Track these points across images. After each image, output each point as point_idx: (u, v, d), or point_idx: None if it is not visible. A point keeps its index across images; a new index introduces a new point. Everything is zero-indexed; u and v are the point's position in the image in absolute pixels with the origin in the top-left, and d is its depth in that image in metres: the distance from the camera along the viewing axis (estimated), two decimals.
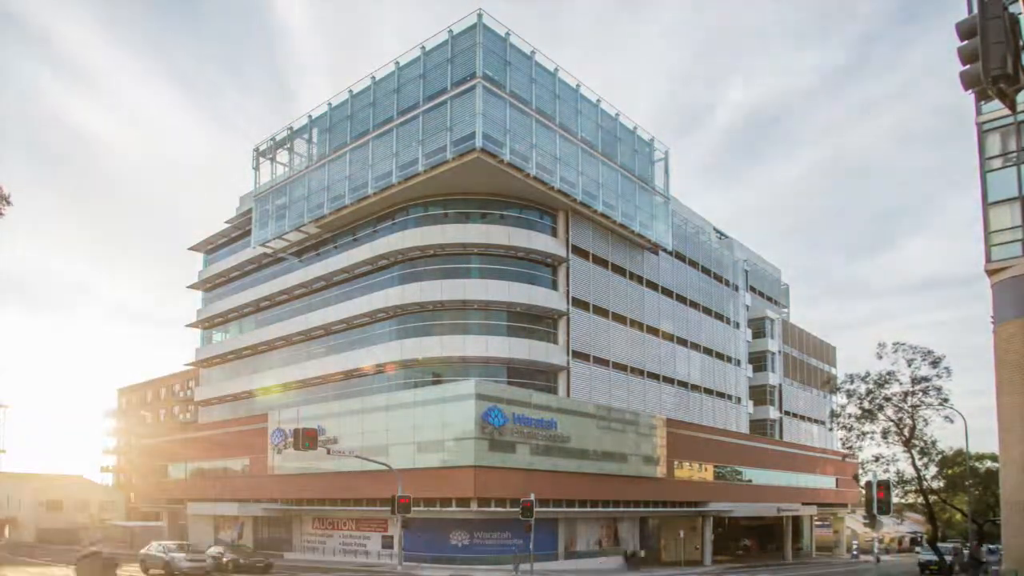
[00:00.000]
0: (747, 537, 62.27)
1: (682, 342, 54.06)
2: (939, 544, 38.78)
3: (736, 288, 62.29)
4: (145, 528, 59.55)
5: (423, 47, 39.84)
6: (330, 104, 45.19)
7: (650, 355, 50.40)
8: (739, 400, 61.17)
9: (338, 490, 40.58)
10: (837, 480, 66.89)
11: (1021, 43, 8.63)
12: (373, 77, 42.63)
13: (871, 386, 33.56)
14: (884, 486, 22.71)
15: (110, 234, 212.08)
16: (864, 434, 34.40)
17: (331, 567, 36.59)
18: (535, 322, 42.75)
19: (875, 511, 22.16)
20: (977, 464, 46.22)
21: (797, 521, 61.89)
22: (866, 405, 33.79)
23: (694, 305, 55.87)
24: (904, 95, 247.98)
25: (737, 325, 62.06)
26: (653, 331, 50.97)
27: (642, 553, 44.53)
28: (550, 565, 37.73)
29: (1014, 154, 24.93)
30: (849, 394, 34.44)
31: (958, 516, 59.00)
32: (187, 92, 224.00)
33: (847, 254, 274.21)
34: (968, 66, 8.73)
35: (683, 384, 53.83)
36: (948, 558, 37.88)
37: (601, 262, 46.33)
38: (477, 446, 33.96)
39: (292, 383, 50.41)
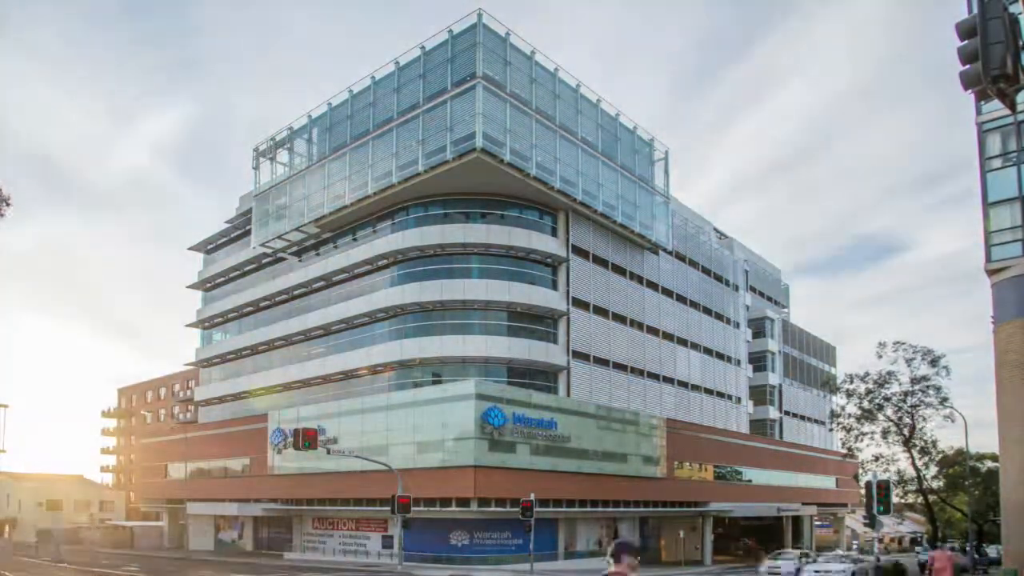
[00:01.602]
0: (747, 537, 62.21)
1: (682, 342, 54.04)
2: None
3: (736, 288, 62.27)
4: (145, 528, 59.64)
5: (423, 47, 39.82)
6: (330, 104, 45.17)
7: (650, 355, 50.37)
8: (739, 400, 61.15)
9: (338, 490, 40.56)
10: (837, 480, 66.88)
11: (1021, 43, 8.62)
12: (373, 77, 42.60)
13: (871, 385, 33.59)
14: (884, 486, 22.68)
15: (109, 230, 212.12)
16: (864, 434, 34.45)
17: (331, 567, 36.57)
18: (535, 322, 42.72)
19: (875, 511, 22.14)
20: (977, 464, 46.09)
21: (797, 521, 61.86)
22: (866, 405, 33.82)
23: (694, 305, 55.85)
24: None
25: (737, 325, 62.04)
26: (653, 331, 50.95)
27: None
28: (550, 565, 37.72)
29: (1014, 154, 24.91)
30: (849, 394, 34.48)
31: (958, 516, 58.94)
32: (184, 91, 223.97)
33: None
34: (968, 66, 8.72)
35: (683, 384, 53.80)
36: None
37: (601, 262, 46.31)
38: (477, 446, 33.94)
39: (292, 383, 50.38)
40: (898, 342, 32.76)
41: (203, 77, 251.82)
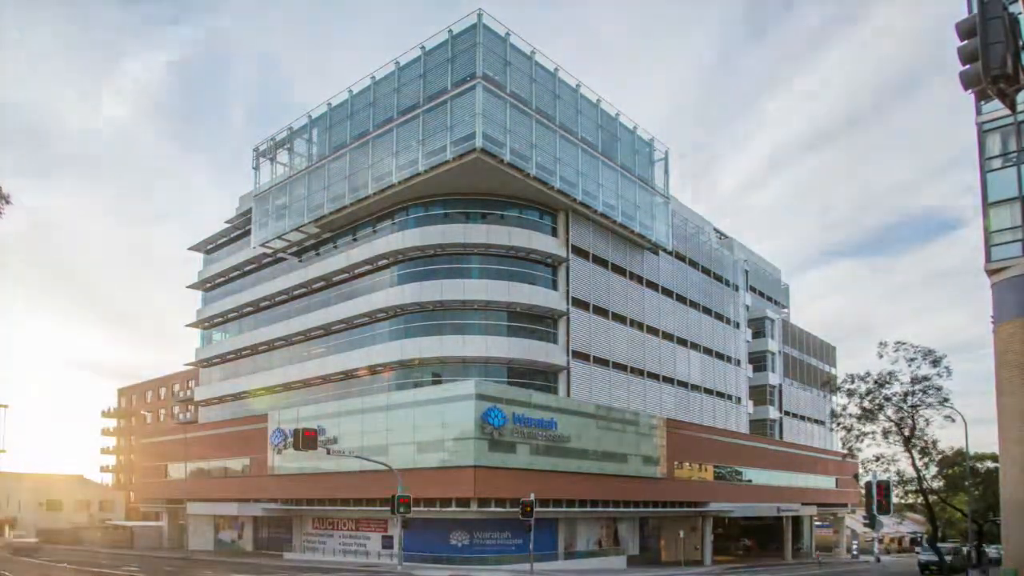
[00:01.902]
0: (747, 537, 62.21)
1: (682, 342, 54.02)
2: (939, 544, 38.78)
3: (736, 288, 62.25)
4: (145, 528, 59.66)
5: (423, 47, 39.83)
6: (330, 104, 45.17)
7: (650, 355, 50.35)
8: (739, 400, 61.13)
9: (338, 490, 40.56)
10: (837, 480, 66.86)
11: (1021, 43, 8.62)
12: (373, 77, 42.61)
13: (871, 385, 33.59)
14: (884, 486, 22.69)
15: (107, 232, 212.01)
16: (864, 434, 34.45)
17: (331, 567, 36.57)
18: (535, 322, 42.71)
19: (875, 511, 22.15)
20: (977, 464, 46.10)
21: (797, 521, 61.87)
22: (866, 404, 33.82)
23: (694, 305, 55.83)
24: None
25: (737, 325, 62.02)
26: (653, 331, 50.94)
27: None
28: (550, 565, 37.71)
29: (1014, 154, 24.90)
30: (850, 393, 34.49)
31: (958, 516, 58.94)
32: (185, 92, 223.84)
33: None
34: (968, 66, 8.71)
35: (683, 384, 53.79)
36: (947, 558, 37.84)
37: (601, 262, 46.30)
38: (477, 446, 33.94)
39: (292, 383, 50.38)
40: (899, 342, 32.78)
41: (200, 72, 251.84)
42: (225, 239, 58.75)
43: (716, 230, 64.01)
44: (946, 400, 32.42)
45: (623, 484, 41.82)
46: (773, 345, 66.38)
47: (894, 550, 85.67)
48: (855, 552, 65.25)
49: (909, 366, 32.58)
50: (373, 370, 44.15)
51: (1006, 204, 24.89)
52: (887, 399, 33.39)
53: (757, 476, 55.42)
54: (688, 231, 55.75)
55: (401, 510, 30.87)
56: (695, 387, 55.17)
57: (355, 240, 46.35)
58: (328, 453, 34.31)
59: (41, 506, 73.66)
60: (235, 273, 57.33)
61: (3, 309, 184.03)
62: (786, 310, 74.78)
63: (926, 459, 34.66)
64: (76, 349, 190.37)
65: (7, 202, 13.46)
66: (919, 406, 32.85)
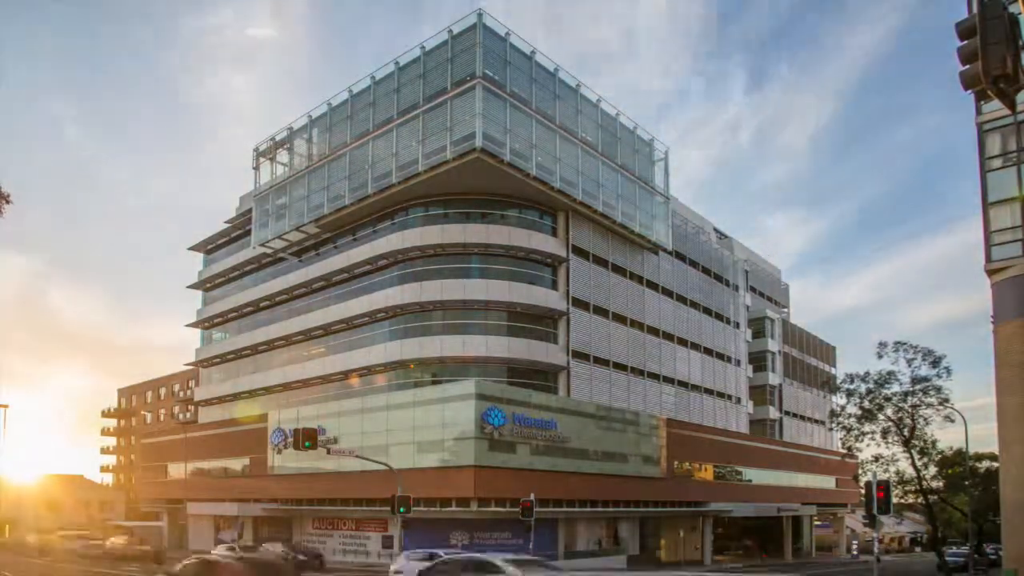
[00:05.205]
0: (747, 537, 62.24)
1: (682, 342, 54.04)
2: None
3: (736, 288, 62.27)
4: (145, 528, 59.61)
5: (423, 47, 39.87)
6: (330, 104, 45.20)
7: (650, 355, 50.37)
8: (739, 400, 61.16)
9: (338, 490, 40.58)
10: (837, 480, 66.88)
11: (1021, 43, 8.62)
12: (373, 77, 42.64)
13: (871, 385, 33.57)
14: (884, 486, 22.65)
15: (107, 231, 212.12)
16: (864, 434, 34.42)
17: (331, 567, 36.58)
18: (535, 322, 42.74)
19: (875, 511, 22.12)
20: (977, 464, 46.17)
21: (797, 521, 61.89)
22: (866, 405, 33.80)
23: (694, 305, 55.86)
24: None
25: (737, 325, 62.04)
26: (653, 331, 50.96)
27: None
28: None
29: (1014, 154, 24.89)
30: (849, 393, 34.47)
31: (958, 516, 58.99)
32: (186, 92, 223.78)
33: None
34: (968, 66, 8.72)
35: (683, 384, 53.80)
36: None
37: (601, 262, 46.33)
38: (477, 446, 33.95)
39: (292, 383, 50.41)
40: (899, 342, 32.74)
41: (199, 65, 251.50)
42: (225, 239, 58.78)
43: (716, 230, 64.05)
44: (946, 400, 32.43)
45: (623, 484, 41.84)
46: (773, 345, 66.42)
47: (894, 550, 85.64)
48: (855, 552, 65.26)
49: (909, 366, 32.58)
50: (373, 370, 44.17)
51: (1006, 204, 24.86)
52: (887, 399, 33.36)
53: (757, 476, 55.44)
54: (688, 231, 55.79)
55: (401, 510, 30.86)
56: (695, 387, 55.19)
57: (355, 240, 46.37)
58: (328, 453, 34.25)
59: (41, 506, 73.57)
60: (235, 273, 57.36)
61: (2, 307, 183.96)
62: (786, 310, 74.81)
63: (926, 459, 34.65)
64: (75, 348, 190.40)
65: (7, 202, 13.41)
66: (919, 406, 32.84)
